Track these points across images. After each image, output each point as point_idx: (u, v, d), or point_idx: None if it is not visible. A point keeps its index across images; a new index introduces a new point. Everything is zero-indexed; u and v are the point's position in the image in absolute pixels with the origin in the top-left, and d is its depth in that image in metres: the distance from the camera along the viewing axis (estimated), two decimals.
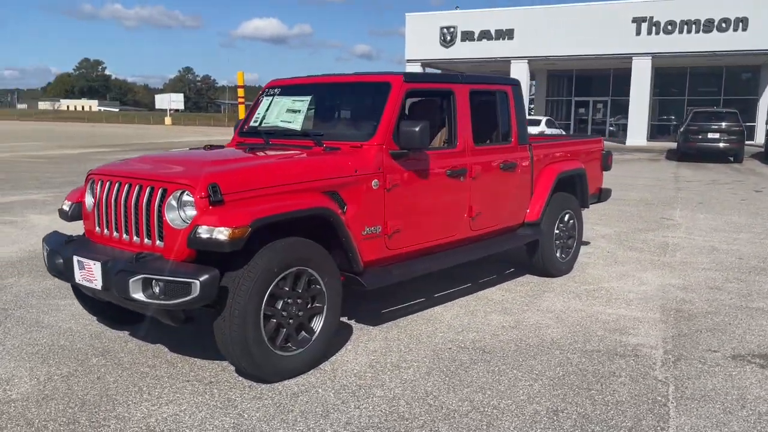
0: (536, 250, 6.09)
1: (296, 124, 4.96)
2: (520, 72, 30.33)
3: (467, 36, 30.99)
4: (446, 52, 31.50)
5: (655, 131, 34.18)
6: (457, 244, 5.13)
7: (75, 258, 3.81)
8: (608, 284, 6.05)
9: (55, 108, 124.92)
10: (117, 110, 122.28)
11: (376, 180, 4.34)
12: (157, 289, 3.41)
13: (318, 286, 3.90)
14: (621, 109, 33.71)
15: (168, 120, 67.38)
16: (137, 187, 3.78)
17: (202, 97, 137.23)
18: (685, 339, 4.59)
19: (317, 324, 3.93)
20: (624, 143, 30.33)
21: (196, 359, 4.05)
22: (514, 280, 6.13)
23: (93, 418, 3.26)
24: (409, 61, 32.03)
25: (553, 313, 5.15)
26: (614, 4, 29.27)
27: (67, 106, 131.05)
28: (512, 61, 30.44)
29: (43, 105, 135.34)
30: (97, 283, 3.67)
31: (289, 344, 3.79)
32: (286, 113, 5.06)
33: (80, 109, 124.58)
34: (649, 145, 29.79)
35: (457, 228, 5.06)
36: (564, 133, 28.18)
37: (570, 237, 6.44)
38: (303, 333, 3.87)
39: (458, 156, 5.00)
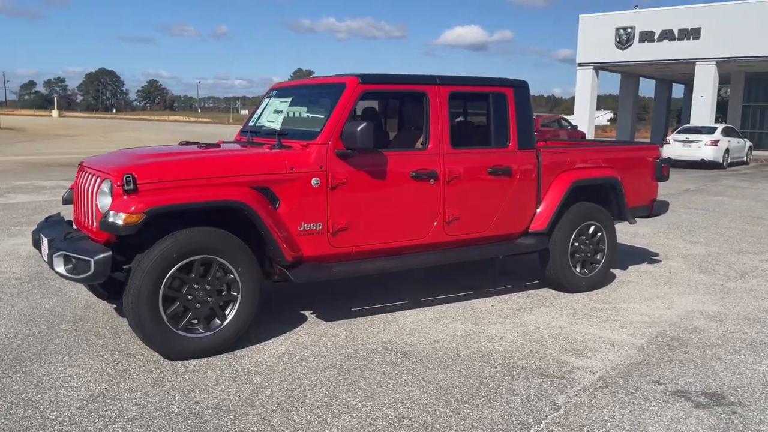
0: (547, 262, 5.76)
1: (277, 123, 5.24)
2: (705, 74, 27.66)
3: (646, 36, 28.90)
4: (622, 55, 29.65)
5: None
6: (427, 248, 5.06)
7: (41, 235, 4.44)
8: (625, 305, 5.54)
9: None
10: None
11: (316, 178, 4.48)
12: (70, 265, 3.90)
13: (232, 276, 4.15)
14: None
15: None
16: (89, 177, 4.33)
17: None
18: (641, 368, 4.13)
19: (231, 311, 4.18)
20: None
21: None
22: (524, 292, 5.85)
23: (7, 370, 3.82)
24: (580, 64, 30.66)
25: (525, 327, 4.88)
26: None
27: None
28: (697, 63, 27.81)
29: None
30: (47, 258, 4.26)
31: (198, 327, 4.08)
32: (273, 114, 5.37)
33: None
34: None
35: (426, 231, 4.99)
36: (750, 143, 25.15)
37: (597, 251, 5.98)
38: (216, 318, 4.14)
39: (428, 158, 4.93)
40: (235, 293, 4.18)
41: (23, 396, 3.49)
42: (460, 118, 5.28)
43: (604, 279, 6.09)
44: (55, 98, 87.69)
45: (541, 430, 3.27)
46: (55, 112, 64.74)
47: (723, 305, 5.59)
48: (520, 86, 5.48)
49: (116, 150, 5.04)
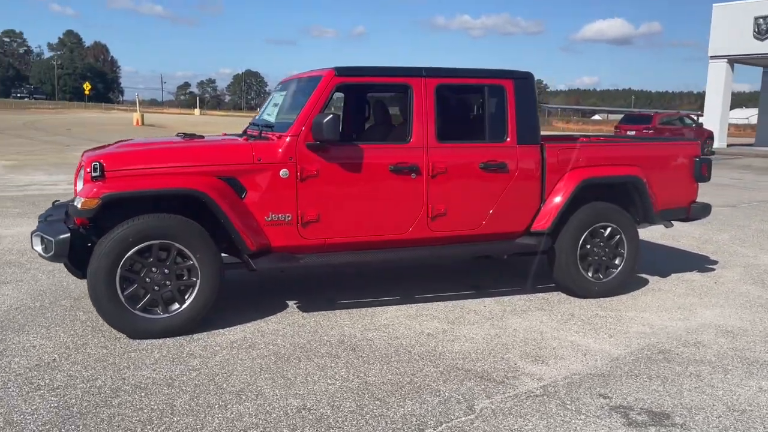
0: (553, 264, 5.46)
1: (272, 116, 5.36)
2: None
3: None
4: (760, 46, 27.02)
5: None
6: (410, 243, 4.97)
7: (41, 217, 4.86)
8: (633, 314, 5.13)
9: None
10: None
11: (285, 169, 4.55)
12: (44, 245, 4.24)
13: (191, 261, 4.31)
14: None
15: None
16: (80, 165, 4.69)
17: None
18: (597, 379, 3.82)
19: (190, 296, 4.35)
20: None
21: None
22: (529, 295, 5.57)
23: None
24: (712, 57, 28.32)
25: (502, 330, 4.66)
26: None
27: None
28: None
29: None
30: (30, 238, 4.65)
31: (156, 309, 4.29)
32: (271, 107, 5.51)
33: None
34: None
35: (408, 227, 4.90)
36: None
37: (616, 256, 5.56)
38: (176, 302, 4.33)
39: (410, 152, 4.84)
40: (194, 279, 4.34)
41: None
42: (449, 111, 5.11)
43: (622, 285, 5.64)
44: (198, 98, 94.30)
45: None
46: (197, 111, 69.70)
47: (750, 321, 5.02)
48: (522, 78, 5.22)
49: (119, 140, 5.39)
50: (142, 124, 37.75)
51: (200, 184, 4.29)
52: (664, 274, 6.42)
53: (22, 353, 3.99)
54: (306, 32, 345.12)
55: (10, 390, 3.47)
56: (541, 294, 5.62)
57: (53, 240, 4.09)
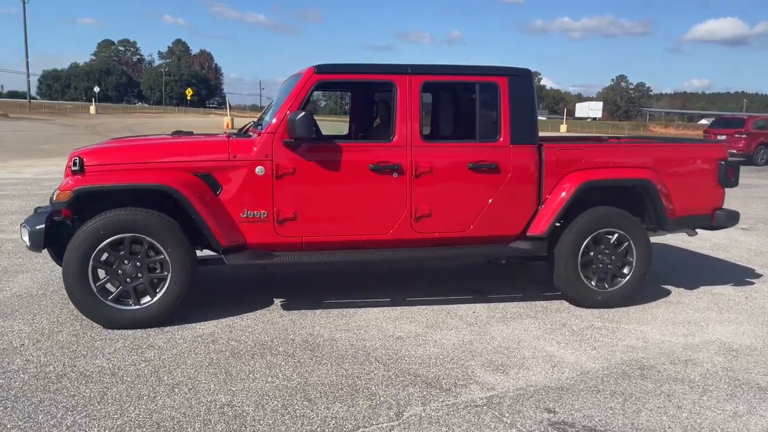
0: (552, 271, 5.19)
1: (270, 115, 5.39)
2: None
3: None
4: None
5: None
6: (392, 244, 4.85)
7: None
8: (632, 326, 4.79)
9: None
10: (545, 119, 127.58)
11: (261, 167, 4.56)
12: (29, 236, 4.45)
13: (162, 256, 4.40)
14: None
15: (563, 127, 66.73)
16: None
17: (634, 105, 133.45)
18: (552, 392, 3.58)
19: (161, 289, 4.44)
20: None
21: None
22: (527, 302, 5.31)
23: None
24: None
25: (478, 336, 4.47)
26: None
27: None
28: None
29: None
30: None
31: (129, 300, 4.41)
32: (272, 106, 5.54)
33: None
34: None
35: (390, 227, 4.79)
36: None
37: (624, 264, 5.21)
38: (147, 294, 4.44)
39: (392, 150, 4.74)
40: (166, 272, 4.42)
41: None
42: (437, 109, 4.96)
43: (630, 295, 5.25)
44: None
45: None
46: None
47: (765, 340, 4.56)
48: (518, 75, 4.99)
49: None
50: (232, 127, 39.23)
51: (171, 180, 4.37)
52: (692, 285, 5.96)
53: None
54: (402, 37, 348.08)
55: None
56: (541, 302, 5.34)
57: (29, 231, 4.29)
